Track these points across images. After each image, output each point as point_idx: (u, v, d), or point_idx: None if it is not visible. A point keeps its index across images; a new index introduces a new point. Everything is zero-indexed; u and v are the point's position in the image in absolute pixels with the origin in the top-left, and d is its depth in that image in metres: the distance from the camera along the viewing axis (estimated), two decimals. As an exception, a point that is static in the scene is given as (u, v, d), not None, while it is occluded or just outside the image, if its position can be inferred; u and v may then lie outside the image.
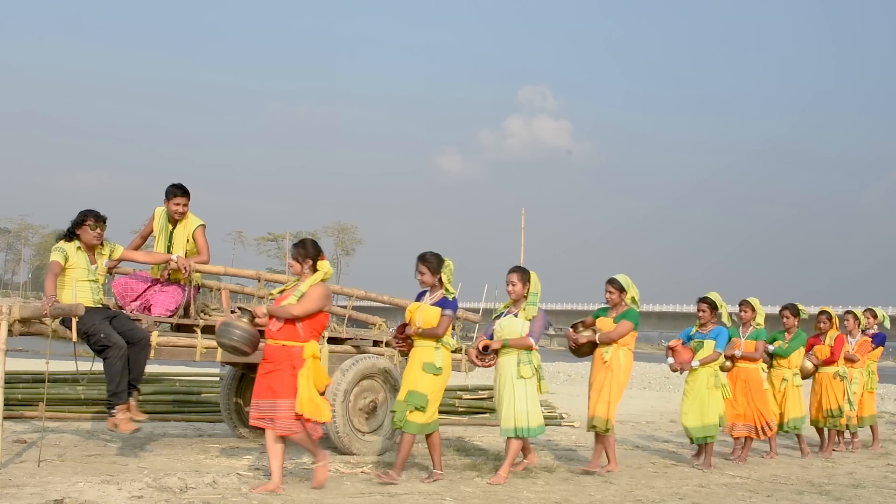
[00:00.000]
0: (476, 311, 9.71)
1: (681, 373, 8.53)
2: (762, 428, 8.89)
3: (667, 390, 20.41)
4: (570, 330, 7.89)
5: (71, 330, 6.40)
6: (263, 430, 8.90)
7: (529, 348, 6.91)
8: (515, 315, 7.02)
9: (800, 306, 9.58)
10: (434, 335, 6.67)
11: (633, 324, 7.66)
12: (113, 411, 6.61)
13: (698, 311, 8.55)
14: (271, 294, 6.64)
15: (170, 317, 7.44)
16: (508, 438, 6.91)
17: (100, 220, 6.86)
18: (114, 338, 6.57)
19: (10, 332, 6.23)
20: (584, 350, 7.81)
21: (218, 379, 10.63)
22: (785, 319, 9.51)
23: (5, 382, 6.23)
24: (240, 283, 9.28)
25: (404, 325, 6.97)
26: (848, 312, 10.42)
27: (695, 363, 8.28)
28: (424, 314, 6.72)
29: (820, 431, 9.96)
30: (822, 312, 9.99)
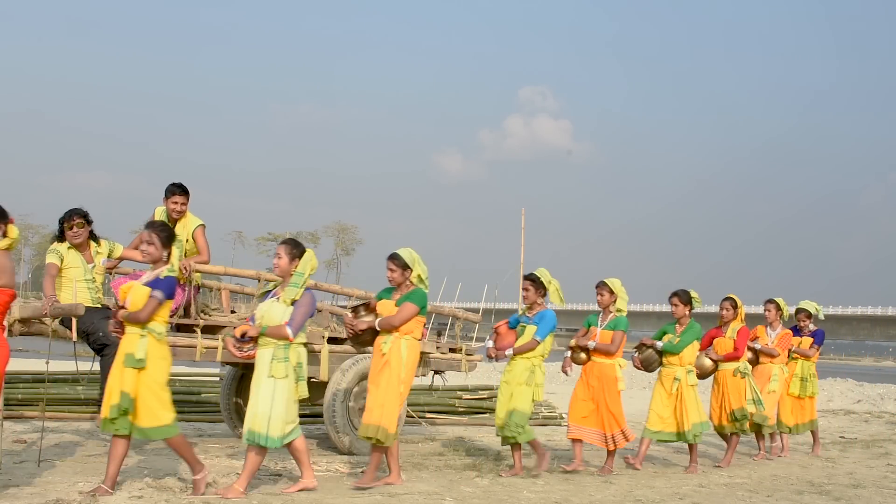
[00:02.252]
0: (476, 311, 9.71)
1: (496, 360, 7.54)
2: (612, 437, 7.57)
3: (667, 390, 20.37)
4: (349, 314, 6.68)
5: (71, 330, 6.41)
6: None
7: (287, 339, 5.80)
8: (279, 298, 5.94)
9: (692, 294, 8.14)
10: (136, 320, 5.57)
11: (419, 307, 6.38)
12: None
13: (523, 289, 7.41)
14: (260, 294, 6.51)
15: (170, 317, 7.43)
16: (248, 446, 5.81)
17: (78, 217, 6.85)
18: (112, 336, 6.57)
19: (10, 332, 6.24)
20: (365, 338, 6.55)
21: (218, 379, 10.64)
22: (674, 308, 8.09)
23: (5, 382, 6.22)
24: (240, 283, 9.29)
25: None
26: (769, 302, 9.34)
27: (508, 352, 7.20)
28: (133, 294, 5.62)
29: (726, 438, 8.74)
30: (725, 299, 8.75)
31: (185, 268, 7.36)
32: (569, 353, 7.87)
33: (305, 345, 6.02)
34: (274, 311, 5.83)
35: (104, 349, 6.57)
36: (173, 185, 7.66)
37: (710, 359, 8.51)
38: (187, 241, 7.65)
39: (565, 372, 7.89)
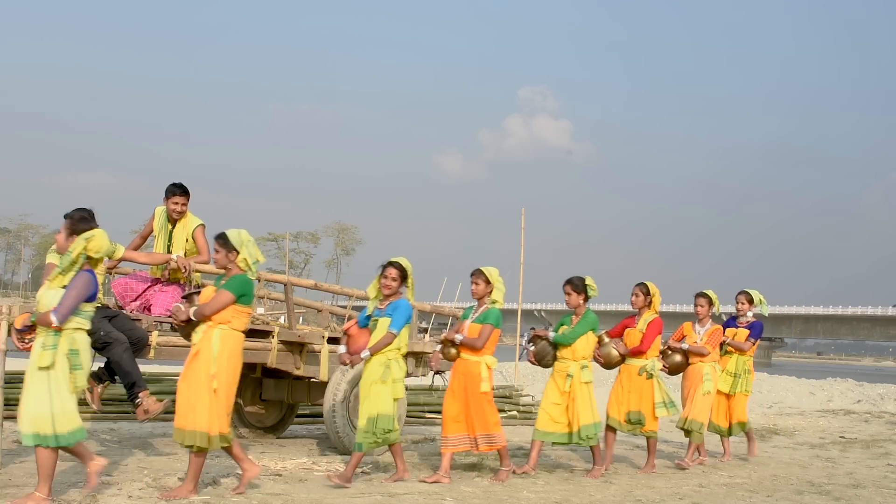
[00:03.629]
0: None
1: (351, 366, 6.99)
2: (476, 439, 6.81)
3: (667, 390, 20.37)
4: (180, 304, 6.08)
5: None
6: (263, 430, 8.95)
7: (52, 327, 5.16)
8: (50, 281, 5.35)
9: (587, 281, 7.35)
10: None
11: (235, 294, 5.71)
12: (137, 401, 6.65)
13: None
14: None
15: (170, 317, 7.43)
16: (37, 447, 5.20)
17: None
18: (114, 334, 6.59)
19: (10, 332, 6.23)
20: (188, 330, 5.98)
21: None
22: (567, 297, 7.38)
23: (5, 382, 6.24)
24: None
25: None
26: (700, 295, 8.41)
27: (364, 354, 6.49)
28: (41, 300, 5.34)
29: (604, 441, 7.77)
30: (637, 285, 7.85)
31: (185, 267, 7.36)
32: (438, 347, 7.21)
33: (92, 332, 5.50)
34: (46, 297, 5.27)
35: (108, 347, 6.57)
36: (173, 185, 7.66)
37: (618, 351, 7.72)
38: (187, 241, 7.66)
39: (431, 368, 7.52)
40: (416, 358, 8.54)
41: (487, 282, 6.97)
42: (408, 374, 8.56)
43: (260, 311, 8.58)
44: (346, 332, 6.82)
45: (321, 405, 8.08)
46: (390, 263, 6.63)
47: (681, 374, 8.48)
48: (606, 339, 7.69)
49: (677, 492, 6.84)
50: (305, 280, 9.29)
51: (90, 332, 6.59)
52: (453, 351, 6.94)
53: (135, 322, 6.94)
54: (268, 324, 7.88)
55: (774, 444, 10.41)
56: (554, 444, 7.59)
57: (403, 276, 6.62)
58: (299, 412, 9.82)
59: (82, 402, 5.73)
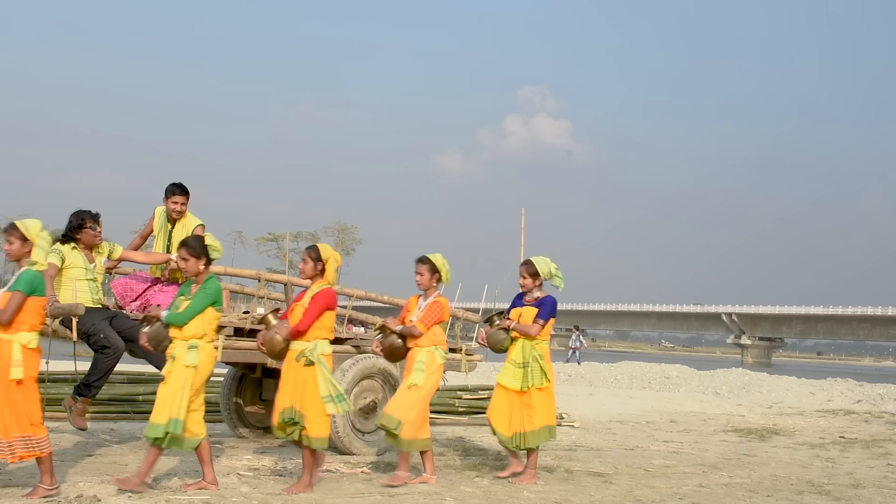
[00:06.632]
0: (476, 311, 9.71)
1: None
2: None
3: (667, 390, 20.39)
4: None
5: (71, 330, 6.41)
6: (263, 430, 8.94)
7: None
8: None
9: (207, 240, 6.14)
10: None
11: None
12: (78, 398, 6.76)
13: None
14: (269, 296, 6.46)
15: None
16: None
17: (95, 219, 6.90)
18: (113, 339, 6.61)
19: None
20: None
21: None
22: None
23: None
24: (240, 283, 9.29)
25: None
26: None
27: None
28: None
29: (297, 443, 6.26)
30: (305, 249, 6.44)
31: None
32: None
33: (91, 334, 5.74)
34: None
35: (103, 350, 6.58)
36: (173, 184, 7.67)
37: (281, 335, 6.21)
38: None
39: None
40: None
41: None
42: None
43: (260, 311, 8.58)
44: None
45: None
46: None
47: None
48: (273, 321, 6.34)
49: (677, 492, 6.84)
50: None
51: (89, 335, 6.61)
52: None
53: (135, 322, 6.95)
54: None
55: (774, 444, 10.41)
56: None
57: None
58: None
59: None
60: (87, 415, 6.93)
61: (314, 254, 6.33)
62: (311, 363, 6.12)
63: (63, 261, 6.78)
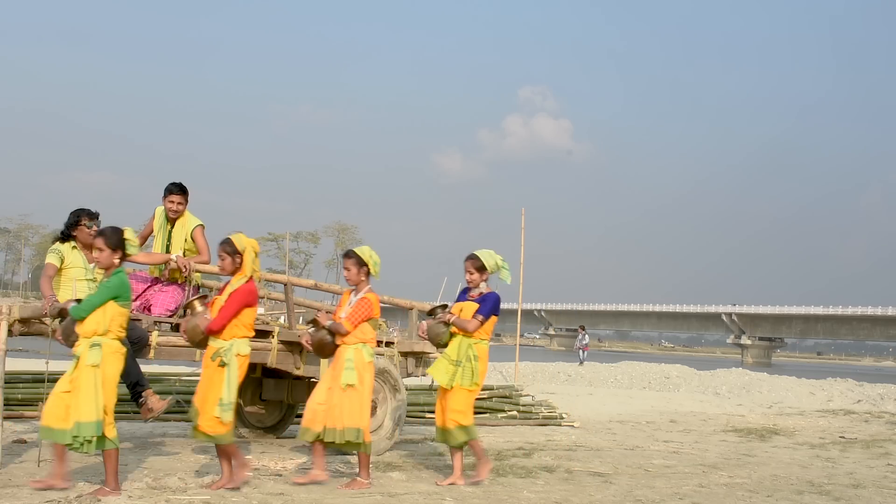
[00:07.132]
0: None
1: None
2: None
3: (667, 390, 20.40)
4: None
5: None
6: (263, 430, 8.95)
7: None
8: None
9: (126, 234, 5.80)
10: None
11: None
12: (141, 400, 6.71)
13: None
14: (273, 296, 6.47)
15: (170, 317, 7.44)
16: None
17: (93, 217, 6.91)
18: None
19: (10, 332, 6.24)
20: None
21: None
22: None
23: (5, 382, 6.23)
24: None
25: None
26: (348, 257, 6.60)
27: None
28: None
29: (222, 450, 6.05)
30: (220, 243, 6.20)
31: (184, 267, 7.37)
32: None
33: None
34: None
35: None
36: (172, 184, 7.67)
37: (201, 327, 6.04)
38: (186, 241, 7.66)
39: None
40: (417, 358, 8.55)
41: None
42: (408, 374, 8.58)
43: (260, 311, 8.58)
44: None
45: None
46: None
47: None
48: (199, 307, 6.18)
49: (677, 492, 6.84)
50: (305, 280, 9.30)
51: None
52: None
53: (135, 322, 6.95)
54: (268, 324, 7.88)
55: (774, 444, 10.41)
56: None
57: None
58: (299, 412, 9.80)
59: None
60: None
61: (229, 248, 6.11)
62: (224, 364, 5.95)
63: (62, 261, 6.78)
